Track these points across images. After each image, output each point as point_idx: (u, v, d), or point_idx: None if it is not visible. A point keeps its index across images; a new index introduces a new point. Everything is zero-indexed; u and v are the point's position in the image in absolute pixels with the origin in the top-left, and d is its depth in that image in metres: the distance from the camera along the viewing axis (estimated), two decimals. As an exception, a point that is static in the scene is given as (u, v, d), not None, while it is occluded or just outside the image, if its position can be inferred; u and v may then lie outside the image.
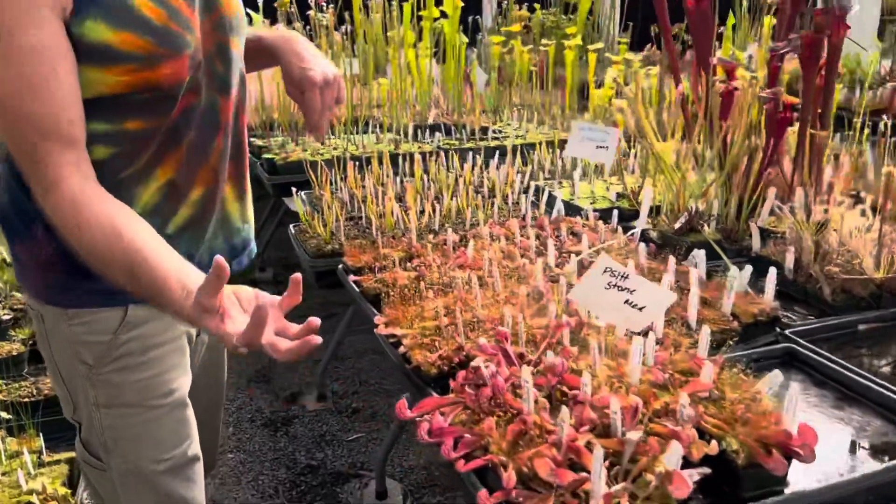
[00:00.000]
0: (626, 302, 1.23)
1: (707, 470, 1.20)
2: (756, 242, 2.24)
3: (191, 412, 1.61)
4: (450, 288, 1.94)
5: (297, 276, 1.23)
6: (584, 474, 1.16)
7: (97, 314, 1.47)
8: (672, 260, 1.95)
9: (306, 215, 2.56)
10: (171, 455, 1.56)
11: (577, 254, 2.09)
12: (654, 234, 2.41)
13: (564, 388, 1.44)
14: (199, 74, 1.44)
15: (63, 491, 2.49)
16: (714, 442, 1.28)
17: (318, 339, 1.19)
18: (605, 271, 1.19)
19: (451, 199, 2.64)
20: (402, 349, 1.69)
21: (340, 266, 2.28)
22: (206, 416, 1.83)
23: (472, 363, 1.49)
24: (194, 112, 1.46)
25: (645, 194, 2.36)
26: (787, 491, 1.30)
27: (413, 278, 2.02)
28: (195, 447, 1.64)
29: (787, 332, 1.81)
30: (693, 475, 1.17)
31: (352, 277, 2.11)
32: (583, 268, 2.10)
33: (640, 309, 1.22)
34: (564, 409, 1.23)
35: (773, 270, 1.84)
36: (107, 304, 1.45)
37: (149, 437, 1.54)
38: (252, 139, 4.30)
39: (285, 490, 3.15)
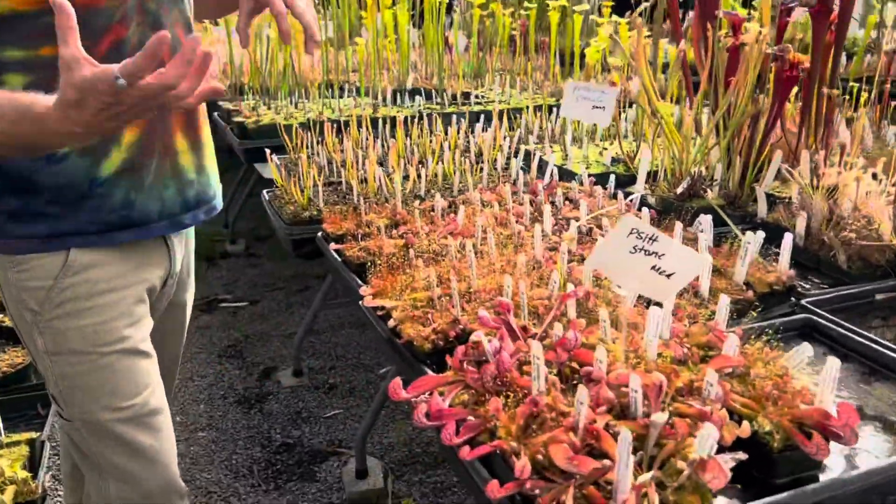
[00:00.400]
0: (654, 268, 1.09)
1: (743, 455, 1.07)
2: (762, 208, 2.11)
3: (150, 363, 1.59)
4: (441, 256, 1.79)
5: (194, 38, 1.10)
6: (606, 462, 1.02)
7: (39, 259, 1.44)
8: (679, 226, 1.81)
9: (282, 180, 2.38)
10: (129, 404, 1.53)
11: (575, 220, 1.95)
12: (653, 200, 2.27)
13: (574, 365, 1.30)
14: (127, 7, 1.39)
15: (23, 474, 2.30)
16: (745, 423, 1.15)
17: (203, 51, 1.09)
18: (630, 233, 1.05)
19: (437, 163, 2.48)
20: (391, 323, 1.54)
21: (320, 234, 2.11)
22: (163, 375, 1.75)
23: (472, 337, 1.34)
24: (124, 48, 1.40)
25: (643, 158, 2.23)
26: (823, 477, 1.17)
27: (400, 246, 1.87)
28: (159, 398, 1.60)
29: (803, 301, 1.69)
30: (728, 461, 1.04)
31: (333, 246, 1.95)
32: (582, 235, 1.96)
33: (669, 276, 1.08)
34: (582, 388, 1.08)
35: (788, 236, 1.72)
36: (47, 249, 1.44)
37: (102, 386, 1.51)
38: (222, 103, 4.09)
39: (260, 469, 3.01)
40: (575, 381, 1.26)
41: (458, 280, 1.61)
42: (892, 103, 2.94)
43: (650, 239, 1.05)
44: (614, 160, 2.61)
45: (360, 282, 1.78)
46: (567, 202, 2.17)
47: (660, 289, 1.11)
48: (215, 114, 4.06)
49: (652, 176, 2.40)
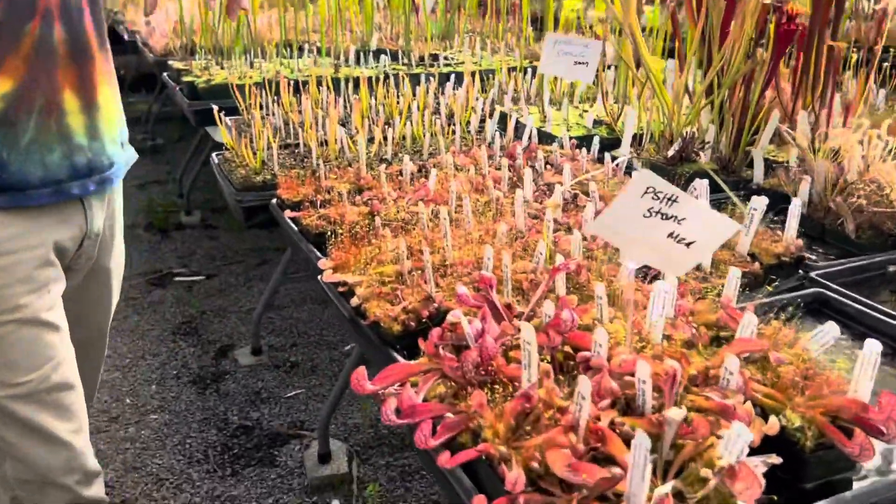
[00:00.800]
0: (671, 235, 0.90)
1: (776, 459, 0.89)
2: (759, 173, 1.95)
3: (54, 335, 1.46)
4: (411, 225, 1.59)
5: None
6: (616, 470, 0.84)
7: None
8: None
9: (233, 141, 2.15)
10: (25, 380, 1.41)
11: (559, 186, 1.76)
12: (640, 165, 2.09)
13: (568, 350, 1.12)
14: None
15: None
16: (773, 419, 0.97)
17: None
18: (645, 192, 0.86)
19: (405, 124, 2.27)
20: (354, 300, 1.34)
21: (274, 200, 1.90)
22: (87, 347, 1.66)
23: (449, 317, 1.15)
24: None
25: (628, 119, 2.05)
26: (859, 480, 1.01)
27: (364, 214, 1.66)
28: (65, 373, 1.47)
29: (813, 274, 1.52)
30: (759, 466, 0.87)
31: (288, 213, 1.74)
32: (566, 202, 1.77)
33: (688, 245, 0.90)
34: (583, 379, 0.90)
35: (796, 202, 1.55)
36: None
37: None
38: (172, 62, 3.82)
39: (216, 454, 2.84)
40: (570, 371, 1.08)
41: (432, 252, 1.42)
42: (884, 65, 2.79)
43: (669, 200, 0.87)
44: (596, 122, 2.42)
45: (319, 254, 1.57)
46: (548, 167, 1.98)
47: (676, 260, 0.93)
48: (164, 74, 3.79)
49: (637, 139, 2.21)
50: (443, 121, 2.46)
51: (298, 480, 2.75)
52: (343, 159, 2.07)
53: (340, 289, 1.39)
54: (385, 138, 2.16)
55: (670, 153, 1.92)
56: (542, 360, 1.06)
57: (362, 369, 1.04)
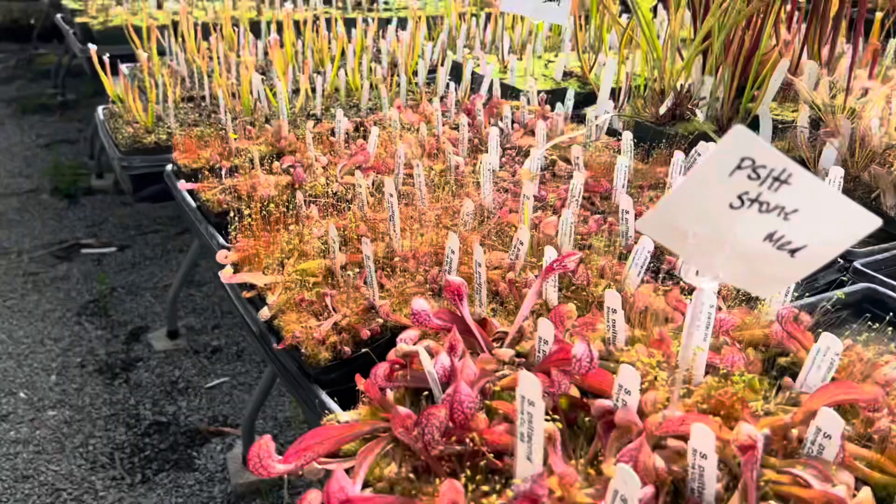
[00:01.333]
0: (771, 238, 0.56)
1: None
2: (766, 134, 1.62)
3: None
4: (345, 203, 1.21)
5: None
6: None
7: None
8: (678, 157, 1.29)
9: (120, 93, 1.72)
10: None
11: (529, 151, 1.40)
12: (621, 125, 1.75)
13: (573, 391, 0.77)
14: None
15: None
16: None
17: None
18: (739, 167, 0.51)
19: (337, 73, 1.87)
20: (265, 312, 0.96)
21: (170, 167, 1.49)
22: None
23: (401, 345, 0.79)
24: None
25: (606, 70, 1.70)
26: None
27: (283, 187, 1.27)
28: None
29: (857, 264, 1.21)
30: None
31: (184, 184, 1.33)
32: (545, 171, 1.41)
33: (794, 252, 0.55)
34: (624, 473, 0.55)
35: (837, 171, 1.22)
36: None
37: None
38: (65, 2, 3.33)
39: (125, 457, 2.56)
40: (577, 425, 0.73)
41: (373, 239, 1.04)
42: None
43: (776, 181, 0.52)
44: (566, 74, 2.06)
45: (222, 240, 1.18)
46: (515, 126, 1.61)
47: (771, 274, 0.58)
48: (58, 16, 3.29)
49: (614, 95, 1.86)
50: (384, 70, 2.07)
51: (220, 487, 2.47)
52: (261, 115, 1.67)
53: (246, 293, 1.01)
54: (313, 90, 1.77)
55: (662, 109, 1.58)
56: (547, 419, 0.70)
57: (265, 440, 0.67)
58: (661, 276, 1.03)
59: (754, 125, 1.73)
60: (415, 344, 0.79)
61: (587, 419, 0.73)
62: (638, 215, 1.14)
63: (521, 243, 1.01)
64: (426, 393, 0.75)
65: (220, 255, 1.05)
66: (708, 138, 1.54)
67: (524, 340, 0.83)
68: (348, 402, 0.82)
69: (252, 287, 1.00)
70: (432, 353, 0.75)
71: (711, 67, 1.71)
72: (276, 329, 0.94)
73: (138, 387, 2.88)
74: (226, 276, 1.01)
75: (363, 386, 0.78)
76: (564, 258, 0.89)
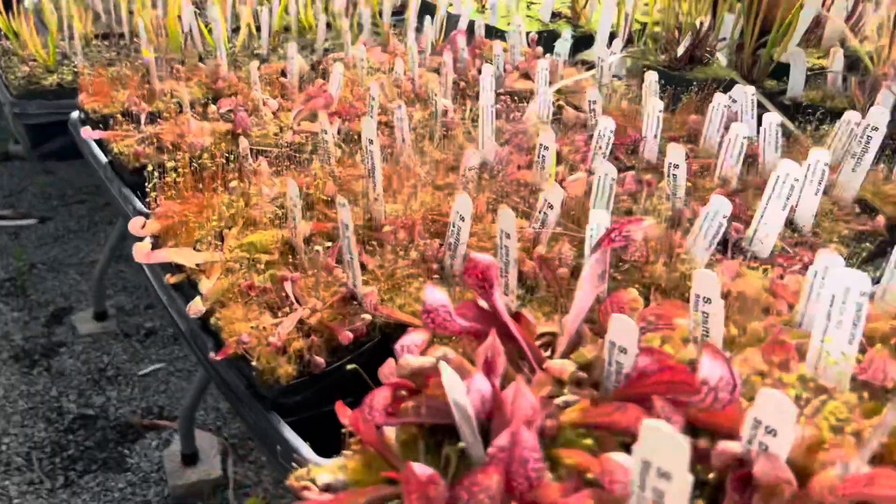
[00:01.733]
0: None
1: None
2: (798, 80, 1.43)
3: None
4: (305, 156, 0.93)
5: None
6: None
7: None
8: (720, 100, 1.05)
9: (14, 26, 1.42)
10: None
11: (528, 96, 1.14)
12: (624, 71, 1.53)
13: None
14: None
15: None
16: None
17: None
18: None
19: (287, 8, 1.58)
20: (197, 304, 0.68)
21: (76, 113, 1.21)
22: None
23: (406, 355, 0.52)
24: None
25: (604, 9, 1.48)
26: None
27: (222, 134, 0.99)
28: None
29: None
30: None
31: (88, 131, 1.04)
32: (550, 118, 1.16)
33: None
34: None
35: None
36: None
37: None
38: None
39: (44, 457, 2.39)
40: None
41: (350, 202, 0.77)
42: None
43: None
44: (554, 15, 1.84)
45: (140, 204, 0.89)
46: (507, 67, 1.36)
47: None
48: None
49: (610, 38, 1.65)
50: (343, 4, 1.80)
51: (156, 489, 2.28)
52: (193, 54, 1.39)
53: (171, 278, 0.72)
54: (258, 27, 1.49)
55: (680, 51, 1.36)
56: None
57: None
58: (728, 251, 0.79)
59: (779, 72, 1.54)
60: (424, 353, 0.53)
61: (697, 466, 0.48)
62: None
63: (551, 207, 0.75)
64: (450, 429, 0.49)
65: (135, 224, 0.77)
66: (729, 85, 1.32)
67: (581, 345, 0.58)
68: (323, 433, 0.56)
69: (179, 269, 0.72)
70: (458, 370, 0.49)
71: (732, 3, 1.50)
72: (215, 330, 0.66)
73: (61, 376, 2.70)
74: (141, 252, 0.73)
75: (350, 421, 0.51)
76: (624, 225, 0.64)
